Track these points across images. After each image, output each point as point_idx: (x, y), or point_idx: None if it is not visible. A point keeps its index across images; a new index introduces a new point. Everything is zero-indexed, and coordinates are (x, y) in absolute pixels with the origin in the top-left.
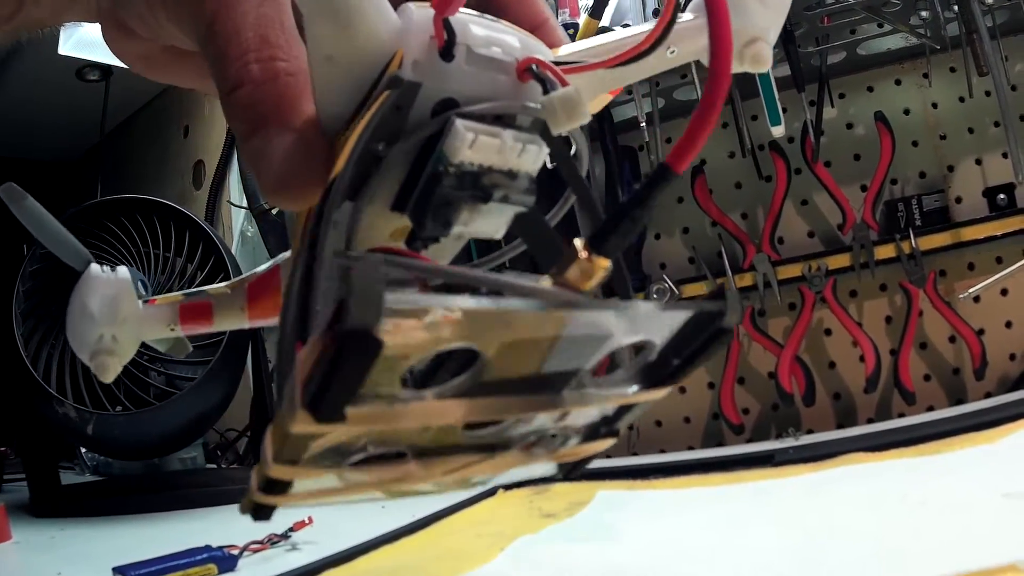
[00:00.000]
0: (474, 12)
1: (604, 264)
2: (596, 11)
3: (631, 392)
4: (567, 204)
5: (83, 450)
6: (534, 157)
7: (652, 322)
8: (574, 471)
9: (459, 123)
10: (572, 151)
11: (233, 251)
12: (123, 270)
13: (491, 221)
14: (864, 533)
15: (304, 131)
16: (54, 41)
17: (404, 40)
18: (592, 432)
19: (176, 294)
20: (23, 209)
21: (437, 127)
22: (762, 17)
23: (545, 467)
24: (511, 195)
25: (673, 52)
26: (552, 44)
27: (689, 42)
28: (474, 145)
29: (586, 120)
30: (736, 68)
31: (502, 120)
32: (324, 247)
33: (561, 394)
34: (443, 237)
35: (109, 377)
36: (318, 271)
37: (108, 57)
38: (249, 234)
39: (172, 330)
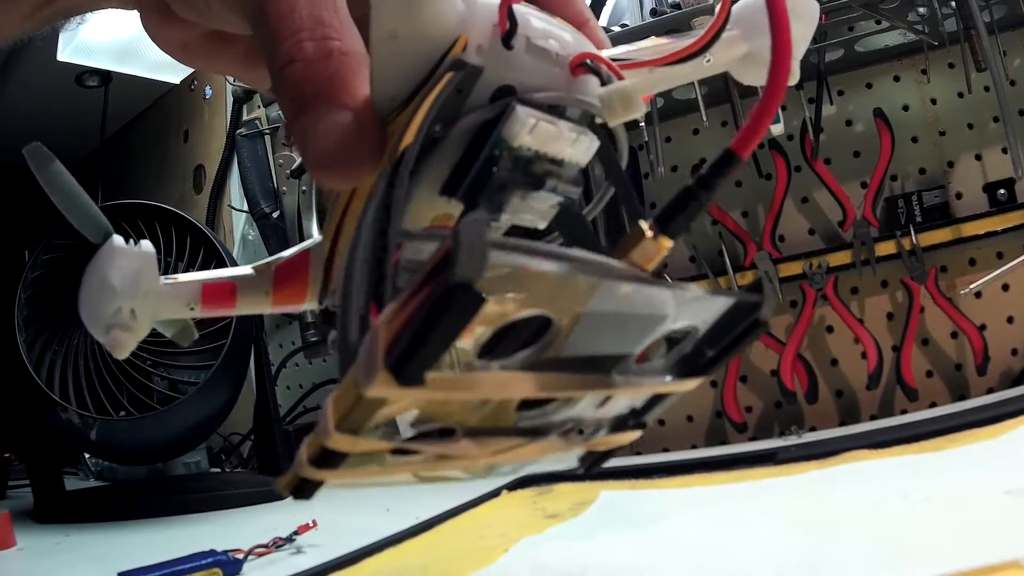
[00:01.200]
0: (532, 6)
1: (668, 245)
2: (594, 11)
3: (667, 381)
4: (604, 199)
5: (87, 455)
6: (585, 148)
7: (700, 307)
8: (599, 462)
9: (520, 109)
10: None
11: (234, 255)
12: (147, 243)
13: (538, 209)
14: (866, 530)
15: (358, 110)
16: (53, 47)
17: (468, 25)
18: (620, 423)
19: (199, 273)
20: (48, 174)
21: (497, 111)
22: (793, 31)
23: (568, 458)
24: (560, 184)
25: (709, 61)
26: (594, 44)
27: (723, 53)
28: (533, 131)
29: (641, 112)
30: (765, 81)
31: (554, 110)
32: (398, 213)
33: (612, 376)
34: (493, 223)
35: (123, 353)
36: (392, 237)
37: (107, 63)
38: (250, 238)
39: (192, 309)
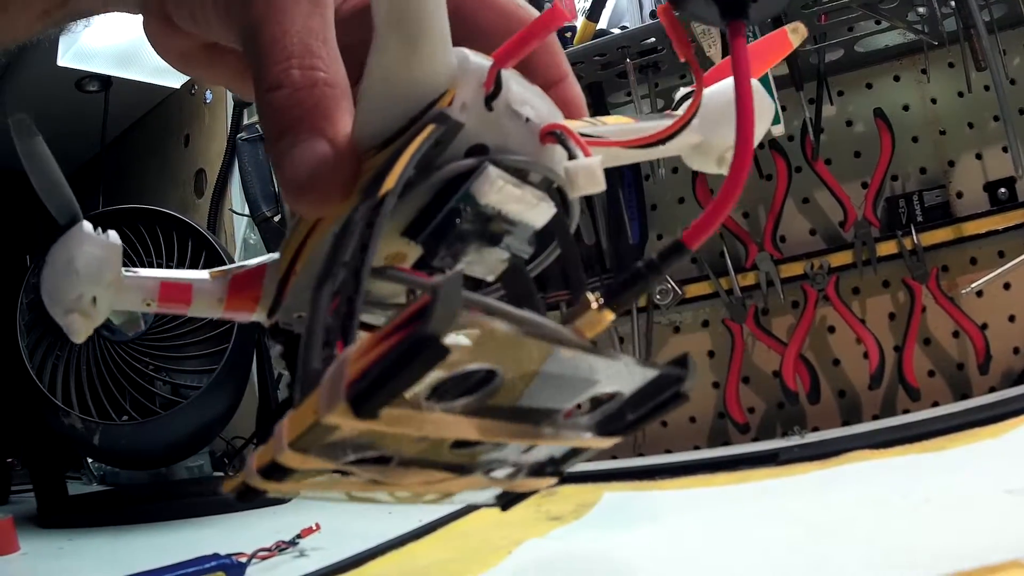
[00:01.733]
0: (514, 71)
1: (610, 317)
2: (594, 14)
3: (587, 437)
4: (546, 261)
5: (90, 460)
6: (543, 213)
7: (629, 376)
8: (514, 502)
9: (491, 169)
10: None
11: (236, 259)
12: (114, 234)
13: (489, 264)
14: (868, 530)
15: (336, 141)
16: (53, 52)
17: (457, 81)
18: (539, 469)
19: (159, 271)
20: (29, 146)
21: (469, 167)
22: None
23: (487, 495)
24: (514, 243)
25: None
26: (568, 99)
27: (680, 140)
28: (500, 191)
29: (601, 189)
30: (713, 170)
31: (519, 173)
32: (373, 254)
33: (540, 427)
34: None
35: (80, 338)
36: (365, 277)
37: (107, 68)
38: (252, 242)
39: (148, 304)
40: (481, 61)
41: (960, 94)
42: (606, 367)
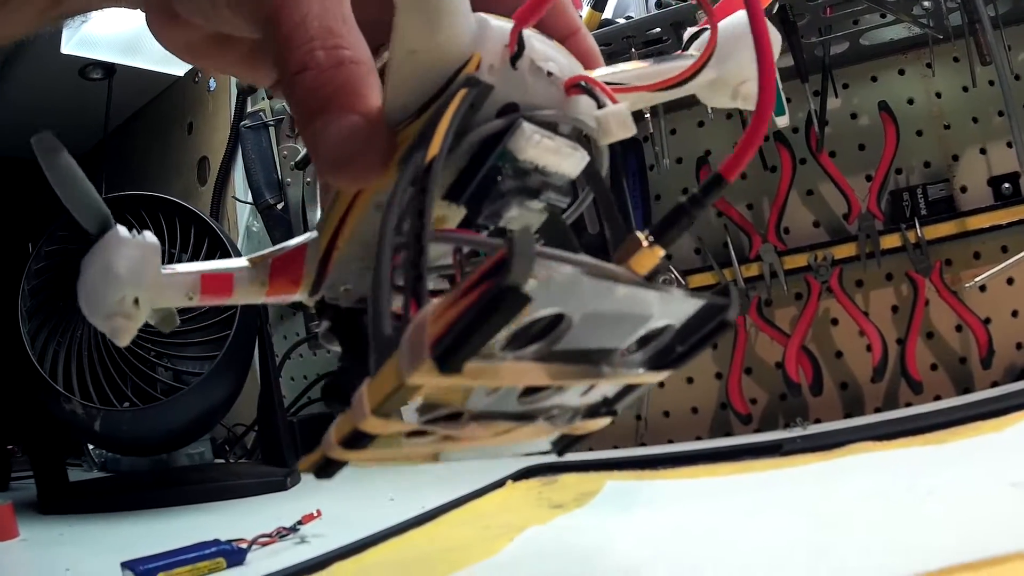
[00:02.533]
0: (534, 28)
1: (660, 253)
2: (599, 4)
3: (641, 373)
4: (581, 206)
5: (90, 447)
6: (577, 162)
7: (678, 308)
8: (572, 445)
9: (526, 125)
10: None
11: (239, 246)
12: (150, 234)
13: (529, 216)
14: (871, 522)
15: (368, 116)
16: (57, 40)
17: (480, 46)
18: (594, 411)
19: (198, 264)
20: (54, 163)
21: (504, 126)
22: (751, 62)
23: (545, 442)
24: (552, 195)
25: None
26: (584, 51)
27: (698, 77)
28: (536, 146)
29: (632, 133)
30: (729, 104)
31: (550, 127)
32: (431, 219)
33: (600, 368)
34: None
35: (125, 341)
36: (427, 243)
37: (111, 56)
38: (255, 229)
39: (190, 299)
40: (501, 24)
41: (965, 88)
42: (659, 301)
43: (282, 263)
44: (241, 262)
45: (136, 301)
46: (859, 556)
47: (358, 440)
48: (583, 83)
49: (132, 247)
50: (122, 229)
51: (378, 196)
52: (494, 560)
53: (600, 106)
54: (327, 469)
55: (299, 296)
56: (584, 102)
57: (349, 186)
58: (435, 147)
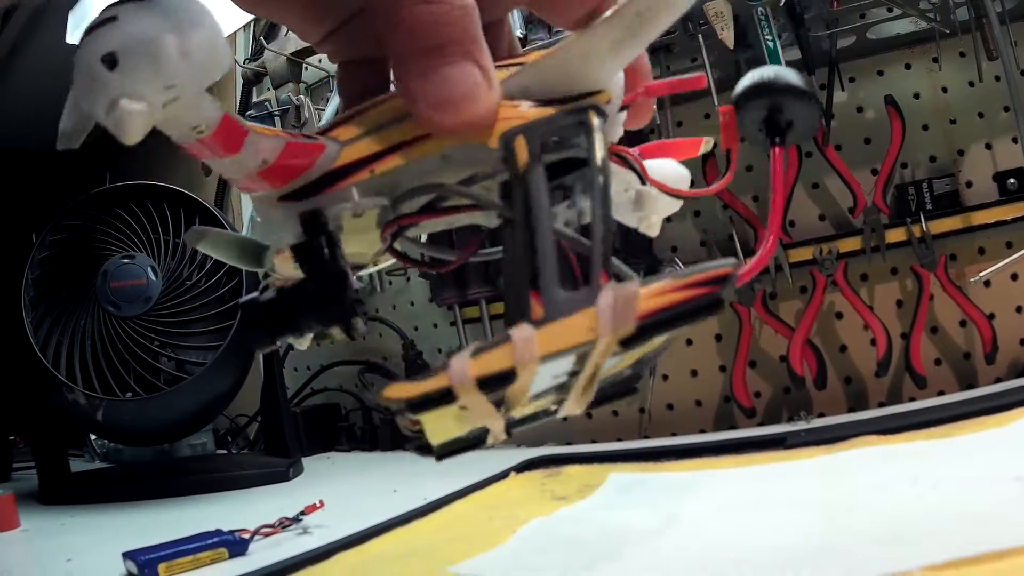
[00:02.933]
0: None
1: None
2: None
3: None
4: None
5: (93, 437)
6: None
7: None
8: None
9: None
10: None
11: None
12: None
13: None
14: (876, 515)
15: (489, 72)
16: (62, 30)
17: (610, 88)
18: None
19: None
20: (210, 245)
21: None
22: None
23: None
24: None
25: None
26: (638, 66)
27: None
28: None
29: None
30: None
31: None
32: (610, 205)
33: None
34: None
35: (135, 137)
36: (612, 225)
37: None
38: (259, 220)
39: (199, 133)
40: (620, 77)
41: (971, 84)
42: None
43: (296, 149)
44: (257, 127)
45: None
46: (864, 549)
47: (504, 380)
48: (622, 155)
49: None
50: None
51: (450, 150)
52: (498, 551)
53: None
54: (425, 405)
55: (277, 191)
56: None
57: (448, 130)
58: (600, 154)
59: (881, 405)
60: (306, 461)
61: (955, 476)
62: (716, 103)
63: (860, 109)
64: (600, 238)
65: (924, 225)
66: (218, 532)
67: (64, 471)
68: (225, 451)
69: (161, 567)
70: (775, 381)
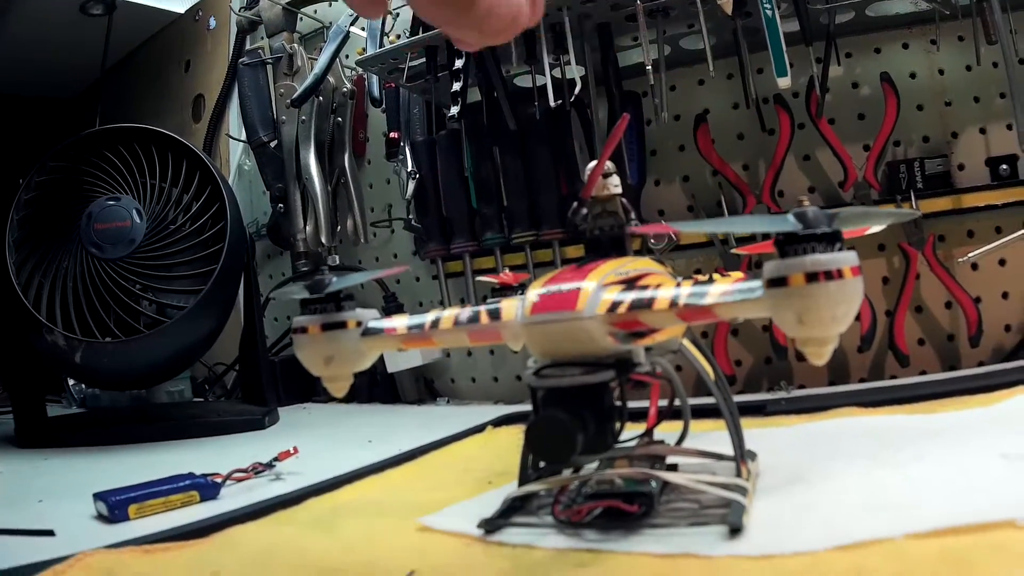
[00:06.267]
0: None
1: None
2: None
3: None
4: None
5: (70, 383)
6: None
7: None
8: None
9: None
10: None
11: (231, 183)
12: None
13: None
14: (858, 483)
15: None
16: None
17: None
18: None
19: None
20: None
21: None
22: None
23: None
24: None
25: None
26: None
27: None
28: None
29: None
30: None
31: None
32: None
33: None
34: None
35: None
36: None
37: None
38: (246, 167)
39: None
40: None
41: (968, 68)
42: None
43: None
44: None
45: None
46: (845, 513)
47: None
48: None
49: None
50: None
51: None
52: (473, 502)
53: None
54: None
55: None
56: None
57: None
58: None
59: (862, 381)
60: (282, 411)
61: (939, 450)
62: (711, 70)
63: (855, 85)
64: None
65: (914, 203)
66: (190, 475)
67: (41, 415)
68: (202, 399)
69: (132, 508)
70: (757, 350)
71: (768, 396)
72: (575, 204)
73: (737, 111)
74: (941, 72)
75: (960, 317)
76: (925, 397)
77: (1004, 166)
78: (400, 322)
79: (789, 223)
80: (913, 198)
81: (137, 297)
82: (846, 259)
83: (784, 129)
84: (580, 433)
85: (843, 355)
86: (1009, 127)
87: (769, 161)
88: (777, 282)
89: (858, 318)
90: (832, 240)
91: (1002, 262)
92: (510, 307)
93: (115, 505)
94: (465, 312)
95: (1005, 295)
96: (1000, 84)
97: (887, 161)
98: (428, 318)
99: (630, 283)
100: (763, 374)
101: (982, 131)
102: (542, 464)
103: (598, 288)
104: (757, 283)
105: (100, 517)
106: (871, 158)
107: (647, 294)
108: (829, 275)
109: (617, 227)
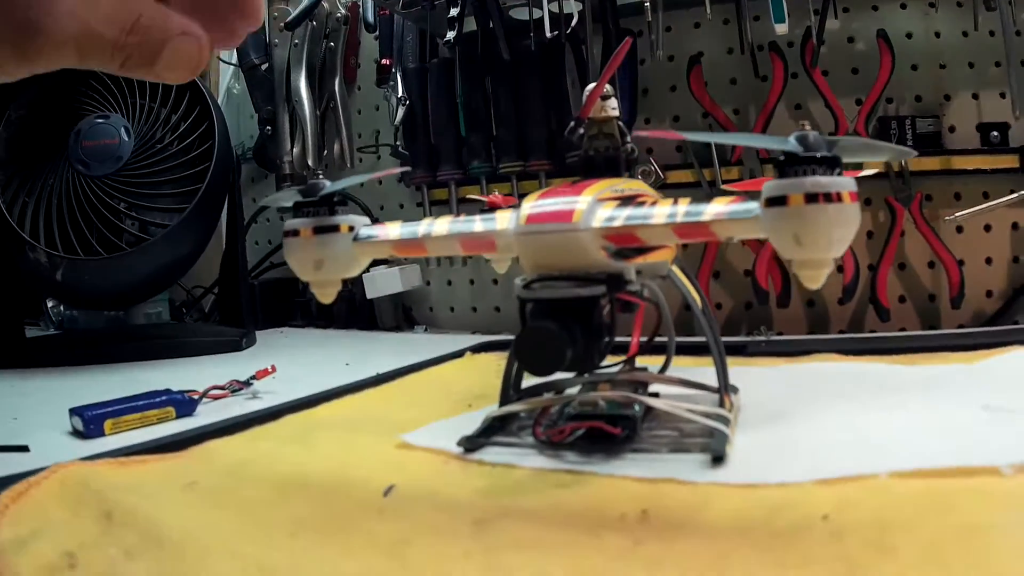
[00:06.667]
0: None
1: None
2: None
3: None
4: None
5: (49, 305)
6: None
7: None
8: None
9: None
10: None
11: (221, 105)
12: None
13: None
14: (839, 421)
15: None
16: None
17: None
18: None
19: None
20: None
21: None
22: None
23: None
24: None
25: None
26: None
27: None
28: None
29: None
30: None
31: None
32: None
33: None
34: None
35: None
36: None
37: None
38: (235, 91)
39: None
40: None
41: (965, 33)
42: None
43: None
44: None
45: None
46: (827, 450)
47: None
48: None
49: None
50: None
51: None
52: (452, 421)
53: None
54: None
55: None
56: None
57: None
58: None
59: (842, 333)
60: (260, 335)
61: (921, 398)
62: (708, 13)
63: (851, 39)
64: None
65: (903, 160)
66: (167, 392)
67: (19, 336)
68: (179, 322)
69: (107, 423)
70: (738, 295)
71: (749, 339)
72: (571, 123)
73: (731, 56)
74: (938, 35)
75: (943, 278)
76: (906, 350)
77: (995, 133)
78: (393, 228)
79: (791, 144)
80: None
81: (121, 215)
82: (845, 183)
83: (777, 77)
84: (569, 347)
85: (824, 306)
86: (1002, 95)
87: (760, 107)
88: (776, 201)
89: (841, 269)
90: (832, 165)
91: (987, 228)
92: (504, 217)
93: (90, 420)
94: (459, 220)
95: (989, 260)
96: (995, 52)
97: (879, 116)
98: (421, 225)
99: (626, 200)
100: (743, 319)
101: (975, 96)
102: (524, 386)
103: (594, 202)
104: (755, 203)
105: (76, 433)
106: (863, 112)
107: (644, 209)
108: (828, 197)
109: (613, 149)
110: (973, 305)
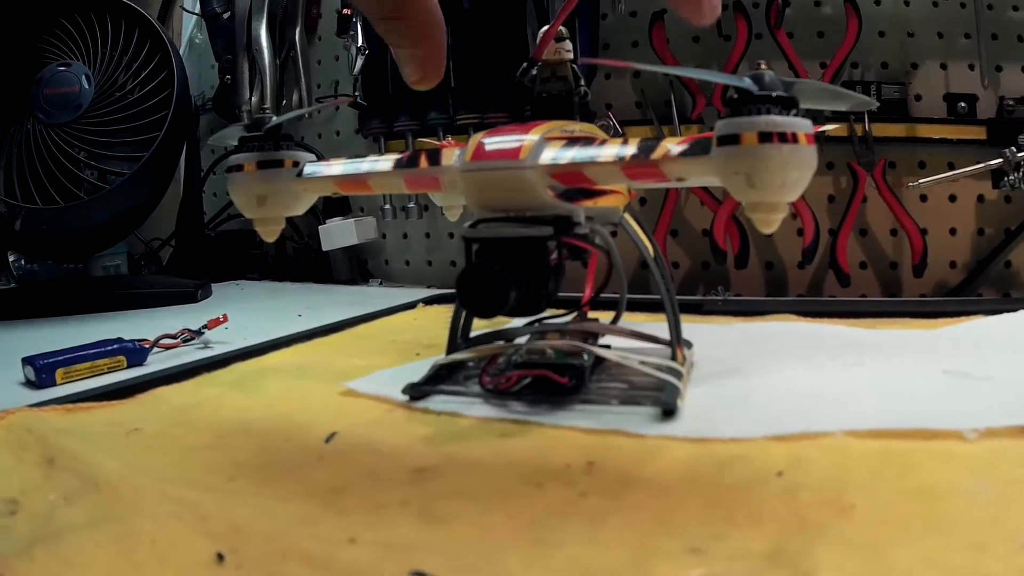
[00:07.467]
0: None
1: None
2: None
3: None
4: None
5: (10, 259)
6: None
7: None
8: None
9: None
10: None
11: (183, 55)
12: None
13: None
14: (796, 381)
15: None
16: None
17: None
18: None
19: None
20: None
21: None
22: None
23: None
24: None
25: None
26: None
27: None
28: None
29: None
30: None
31: None
32: None
33: None
34: None
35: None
36: None
37: None
38: (198, 41)
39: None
40: None
41: (935, 3)
42: None
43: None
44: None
45: None
46: (781, 407)
47: None
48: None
49: None
50: None
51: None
52: (401, 369)
53: None
54: None
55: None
56: None
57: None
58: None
59: (800, 296)
60: (216, 287)
61: (879, 360)
62: None
63: (817, 3)
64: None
65: (867, 125)
66: (118, 340)
67: None
68: (138, 275)
69: (59, 372)
70: (695, 255)
71: (705, 298)
72: (524, 64)
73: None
74: (907, 3)
75: (905, 246)
76: (866, 315)
77: (962, 104)
78: (336, 164)
79: (746, 83)
80: (867, 119)
81: (80, 164)
82: (802, 124)
83: (741, 36)
84: (512, 288)
85: (783, 269)
86: (971, 67)
87: (722, 66)
88: (728, 140)
89: (800, 232)
90: (788, 106)
91: (952, 198)
92: (450, 153)
93: (42, 369)
94: (404, 157)
95: (953, 231)
96: (965, 24)
97: (843, 80)
98: (365, 162)
99: (575, 140)
100: (700, 279)
101: (943, 67)
102: (473, 335)
103: (542, 140)
104: (707, 142)
105: (28, 383)
106: (827, 74)
107: (592, 149)
108: (783, 137)
109: (565, 92)
110: (936, 275)
